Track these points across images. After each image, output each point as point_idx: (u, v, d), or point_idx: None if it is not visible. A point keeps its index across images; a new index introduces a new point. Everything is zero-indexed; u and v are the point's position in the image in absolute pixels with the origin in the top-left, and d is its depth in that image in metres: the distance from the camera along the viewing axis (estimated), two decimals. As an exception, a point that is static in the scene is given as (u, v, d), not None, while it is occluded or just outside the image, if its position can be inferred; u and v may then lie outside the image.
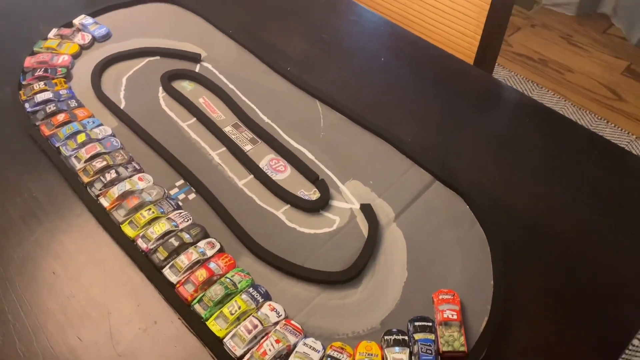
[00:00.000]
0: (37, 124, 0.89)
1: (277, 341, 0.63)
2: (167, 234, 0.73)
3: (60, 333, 0.66)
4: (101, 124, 0.89)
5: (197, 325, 0.65)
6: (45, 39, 1.05)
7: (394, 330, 0.65)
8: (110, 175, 0.80)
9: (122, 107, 0.93)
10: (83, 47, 1.05)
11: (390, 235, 0.75)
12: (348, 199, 0.80)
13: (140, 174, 0.81)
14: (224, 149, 0.87)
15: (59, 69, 0.98)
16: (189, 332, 0.66)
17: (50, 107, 0.90)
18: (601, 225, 0.78)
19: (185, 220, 0.75)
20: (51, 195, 0.81)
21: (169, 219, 0.75)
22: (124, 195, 0.78)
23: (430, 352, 0.61)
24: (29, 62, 0.99)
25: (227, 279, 0.68)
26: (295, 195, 0.80)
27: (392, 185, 0.81)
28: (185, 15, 1.14)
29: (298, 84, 0.97)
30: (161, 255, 0.71)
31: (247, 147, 0.87)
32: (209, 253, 0.72)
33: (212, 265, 0.70)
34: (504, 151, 0.88)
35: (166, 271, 0.70)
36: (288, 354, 0.62)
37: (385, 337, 0.64)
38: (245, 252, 0.73)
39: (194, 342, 0.65)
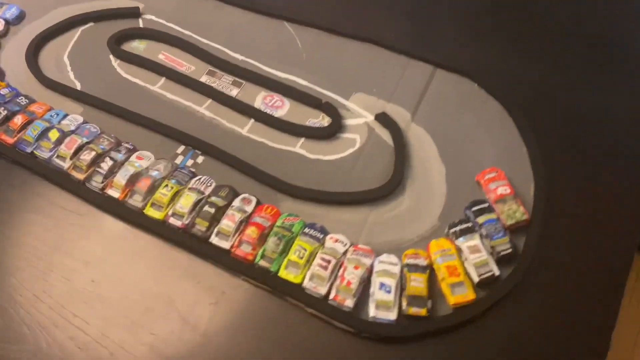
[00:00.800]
0: (-12, 136, 0.78)
1: (356, 267, 0.63)
2: (196, 204, 0.69)
3: (132, 335, 0.63)
4: (66, 114, 0.79)
5: (269, 280, 0.64)
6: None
7: (456, 221, 0.67)
8: (107, 163, 0.73)
9: (79, 88, 0.83)
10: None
11: (413, 136, 0.75)
12: (359, 113, 0.78)
13: (136, 153, 0.75)
14: (210, 100, 0.81)
15: (-16, 67, 0.86)
16: (262, 290, 0.65)
17: (0, 112, 0.79)
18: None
19: (208, 184, 0.71)
20: (48, 206, 0.73)
21: (191, 189, 0.71)
22: (132, 180, 0.72)
23: (499, 230, 0.64)
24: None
25: (279, 227, 0.67)
26: (306, 127, 0.77)
27: (396, 86, 0.80)
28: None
29: (257, 10, 0.90)
30: (201, 226, 0.68)
31: (234, 92, 0.82)
32: (249, 209, 0.69)
33: (258, 219, 0.68)
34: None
35: (215, 240, 0.67)
36: (369, 277, 0.64)
37: (451, 230, 0.66)
38: (281, 197, 0.71)
39: (270, 298, 0.65)
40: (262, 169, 0.73)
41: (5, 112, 0.79)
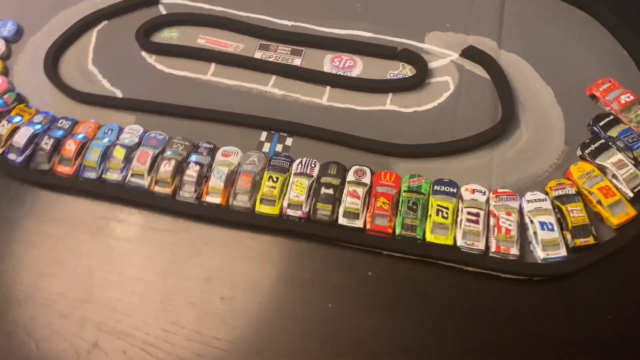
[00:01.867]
0: (44, 168, 0.69)
1: (508, 214, 0.60)
2: (310, 189, 0.64)
3: (301, 339, 0.59)
4: (121, 127, 0.71)
5: (418, 249, 0.60)
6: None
7: (586, 141, 0.64)
8: (193, 169, 0.66)
9: (120, 96, 0.74)
10: (3, 58, 0.80)
11: (507, 63, 0.71)
12: (440, 53, 0.73)
13: (220, 151, 0.68)
14: (274, 77, 0.74)
15: (6, 95, 0.75)
16: (408, 260, 0.61)
17: (46, 142, 0.70)
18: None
19: (312, 165, 0.66)
20: (141, 231, 0.66)
21: (297, 174, 0.65)
22: (229, 180, 0.65)
23: (635, 139, 0.62)
24: (-45, 109, 0.74)
25: (408, 192, 0.62)
26: (390, 80, 0.72)
27: (470, 15, 0.75)
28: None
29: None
30: (325, 210, 0.62)
31: (297, 62, 0.75)
32: (366, 180, 0.64)
33: (382, 189, 0.63)
34: None
35: (344, 221, 0.62)
36: (521, 220, 0.60)
37: (586, 151, 0.63)
38: (393, 161, 0.66)
39: (419, 266, 0.61)
40: (358, 135, 0.68)
41: (52, 140, 0.70)
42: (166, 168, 0.67)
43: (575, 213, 0.59)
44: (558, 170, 0.64)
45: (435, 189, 0.63)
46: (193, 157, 0.67)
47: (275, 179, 0.65)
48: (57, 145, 0.70)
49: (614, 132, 0.63)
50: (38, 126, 0.71)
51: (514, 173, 0.64)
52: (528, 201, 0.61)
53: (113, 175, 0.67)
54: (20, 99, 0.75)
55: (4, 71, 0.78)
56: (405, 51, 0.73)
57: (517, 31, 0.73)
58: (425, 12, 0.77)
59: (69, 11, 0.83)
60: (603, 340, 0.57)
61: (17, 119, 0.72)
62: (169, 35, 0.79)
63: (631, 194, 0.60)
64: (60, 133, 0.71)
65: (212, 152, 0.68)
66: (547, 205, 0.60)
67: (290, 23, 0.78)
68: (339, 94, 0.72)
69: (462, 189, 0.63)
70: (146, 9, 0.82)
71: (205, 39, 0.78)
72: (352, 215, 0.62)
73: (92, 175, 0.68)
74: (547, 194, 0.62)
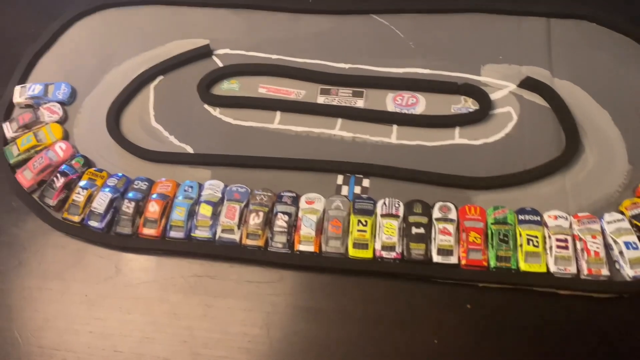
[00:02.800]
0: (128, 232, 0.70)
1: (594, 237, 0.64)
2: (399, 229, 0.67)
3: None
4: (201, 184, 0.73)
5: (514, 279, 0.64)
6: (7, 143, 0.79)
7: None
8: (282, 220, 0.68)
9: (192, 152, 0.76)
10: (61, 122, 0.81)
11: (562, 90, 0.76)
12: (498, 85, 0.77)
13: (303, 199, 0.70)
14: (340, 120, 0.77)
15: (74, 161, 0.76)
16: (505, 288, 0.65)
17: (127, 206, 0.71)
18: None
19: (396, 205, 0.69)
20: (240, 287, 0.68)
21: (384, 215, 0.68)
22: (318, 227, 0.68)
23: None
24: (25, 180, 0.75)
25: (495, 224, 0.66)
26: (457, 115, 0.76)
27: (520, 47, 0.80)
28: (129, 15, 0.90)
29: (338, 11, 0.85)
30: (419, 250, 0.66)
31: (360, 103, 0.78)
32: (453, 216, 0.68)
33: (469, 223, 0.67)
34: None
35: (439, 259, 0.65)
36: (605, 241, 0.65)
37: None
38: (472, 194, 0.70)
39: (518, 292, 0.65)
40: (432, 171, 0.71)
41: (133, 203, 0.71)
42: (256, 221, 0.69)
43: (656, 229, 0.64)
44: (627, 189, 0.69)
45: (520, 218, 0.67)
46: (279, 208, 0.70)
47: (364, 223, 0.68)
48: (138, 207, 0.72)
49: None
50: (114, 190, 0.73)
51: (588, 196, 0.69)
52: (608, 222, 0.66)
53: (203, 233, 0.69)
54: (88, 163, 0.77)
55: (65, 135, 0.79)
56: (466, 85, 0.77)
57: (566, 59, 0.78)
58: (477, 46, 0.81)
59: (120, 68, 0.84)
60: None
61: (91, 184, 0.74)
62: (229, 87, 0.82)
63: (702, 203, 0.65)
64: (139, 195, 0.72)
65: (295, 200, 0.71)
66: (627, 225, 0.65)
67: (347, 66, 0.81)
68: (406, 132, 0.76)
69: (545, 216, 0.67)
70: (200, 61, 0.84)
71: (266, 87, 0.81)
72: (445, 252, 0.65)
73: (180, 234, 0.70)
74: (622, 213, 0.66)
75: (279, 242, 0.68)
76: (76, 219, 0.72)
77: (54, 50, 0.87)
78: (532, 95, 0.76)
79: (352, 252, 0.67)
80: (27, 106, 0.82)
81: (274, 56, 0.83)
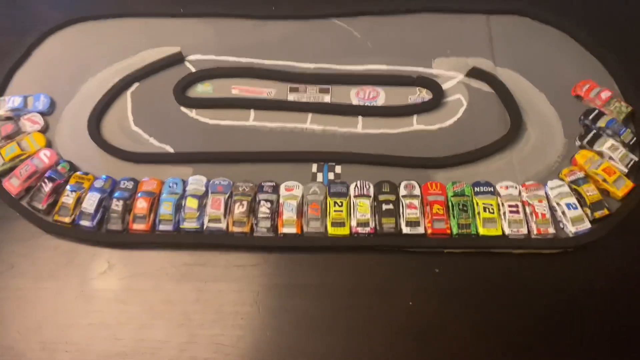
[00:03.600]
0: (119, 228, 0.75)
1: (540, 201, 0.74)
2: (371, 207, 0.75)
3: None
4: (184, 180, 0.78)
5: (475, 242, 0.73)
6: (-11, 151, 0.82)
7: (581, 133, 0.80)
8: (265, 207, 0.75)
9: (173, 151, 0.82)
10: (43, 131, 0.84)
11: (504, 77, 0.86)
12: (448, 76, 0.87)
13: (283, 186, 0.77)
14: (311, 114, 0.85)
15: (59, 166, 0.80)
16: (467, 253, 0.74)
17: (116, 204, 0.76)
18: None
19: (366, 187, 0.77)
20: (229, 271, 0.74)
21: (357, 196, 0.76)
22: (299, 211, 0.75)
23: (619, 126, 0.79)
24: (12, 187, 0.78)
25: (455, 196, 0.75)
26: (413, 105, 0.85)
27: (464, 41, 0.90)
28: (101, 27, 0.95)
29: (300, 16, 0.93)
30: (390, 224, 0.74)
31: (326, 99, 0.86)
32: (418, 192, 0.76)
33: (432, 197, 0.75)
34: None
35: (408, 230, 0.73)
36: (549, 204, 0.75)
37: (584, 142, 0.79)
38: (432, 172, 0.79)
39: (479, 255, 0.73)
40: (399, 155, 0.80)
41: (121, 202, 0.76)
42: (240, 209, 0.75)
43: (590, 192, 0.74)
44: (565, 160, 0.79)
45: (476, 190, 0.76)
46: (261, 196, 0.76)
47: (340, 204, 0.75)
48: (126, 205, 0.76)
49: (602, 123, 0.80)
50: (102, 191, 0.77)
51: (532, 167, 0.79)
52: (551, 188, 0.76)
53: (191, 224, 0.75)
54: (73, 168, 0.81)
55: (48, 143, 0.83)
56: (420, 77, 0.86)
57: (506, 49, 0.89)
58: (427, 43, 0.91)
59: (95, 78, 0.89)
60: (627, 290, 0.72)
61: (78, 187, 0.78)
62: (204, 90, 0.88)
63: (626, 170, 0.76)
64: (126, 194, 0.77)
65: (275, 189, 0.77)
66: (567, 189, 0.75)
67: (312, 65, 0.89)
68: (371, 122, 0.84)
69: (497, 187, 0.76)
70: (173, 67, 0.89)
71: (238, 88, 0.87)
72: (413, 223, 0.74)
73: (169, 227, 0.75)
74: (562, 180, 0.77)
75: (263, 227, 0.74)
76: (67, 220, 0.76)
77: (29, 63, 0.91)
78: (478, 84, 0.86)
79: (331, 231, 0.74)
80: (8, 118, 0.85)
81: (244, 59, 0.90)
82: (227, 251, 0.75)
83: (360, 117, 0.84)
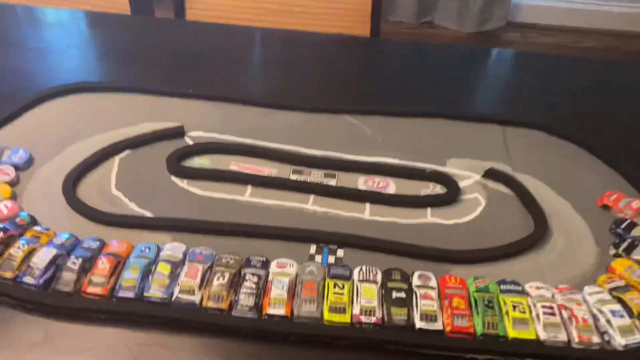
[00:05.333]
0: (69, 290, 0.61)
1: (578, 304, 0.62)
2: (379, 296, 0.63)
3: None
4: (159, 247, 0.67)
5: (503, 346, 0.59)
6: (-57, 198, 0.71)
7: (615, 241, 0.72)
8: (251, 281, 0.63)
9: (153, 216, 0.72)
10: (11, 185, 0.75)
11: (525, 182, 0.81)
12: (463, 175, 0.82)
13: (274, 263, 0.66)
14: (313, 196, 0.77)
15: (18, 218, 0.69)
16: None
17: (73, 262, 0.63)
18: None
19: (373, 273, 0.65)
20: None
21: (363, 281, 0.64)
22: (290, 292, 0.62)
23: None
24: (-45, 235, 0.66)
25: (478, 292, 0.63)
26: (429, 196, 0.78)
27: (479, 146, 0.87)
28: (103, 99, 0.92)
29: (310, 109, 0.92)
30: (400, 315, 0.61)
31: (332, 183, 0.79)
32: (433, 284, 0.65)
33: (451, 291, 0.64)
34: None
35: (422, 324, 0.60)
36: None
37: (619, 250, 0.71)
38: (448, 267, 0.68)
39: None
40: (417, 244, 0.70)
41: (80, 260, 0.64)
42: (220, 281, 0.63)
43: (636, 300, 0.63)
44: (599, 268, 0.70)
45: (502, 288, 0.65)
46: (248, 270, 0.64)
47: (341, 286, 0.63)
48: (85, 265, 0.64)
49: (636, 232, 0.72)
50: (60, 247, 0.65)
51: (563, 273, 0.69)
52: (589, 294, 0.65)
53: (157, 293, 0.61)
54: (34, 222, 0.70)
55: (12, 196, 0.73)
56: (434, 172, 0.81)
57: (524, 158, 0.85)
58: (441, 144, 0.88)
59: (86, 142, 0.83)
60: None
61: (34, 241, 0.66)
62: (200, 163, 0.81)
63: (670, 281, 0.66)
64: (87, 254, 0.65)
65: (265, 264, 0.66)
66: (607, 296, 0.64)
67: (320, 153, 0.84)
68: (380, 210, 0.76)
69: (526, 287, 0.65)
70: (170, 140, 0.84)
71: (238, 165, 0.81)
72: (430, 317, 0.61)
73: (129, 294, 0.61)
74: (600, 287, 0.66)
75: (245, 305, 0.61)
76: (9, 274, 0.62)
77: (17, 122, 0.86)
78: (496, 185, 0.81)
79: (328, 317, 0.60)
80: (-23, 167, 0.77)
81: (247, 140, 0.85)
82: (197, 333, 0.61)
83: (367, 204, 0.76)
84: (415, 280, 0.65)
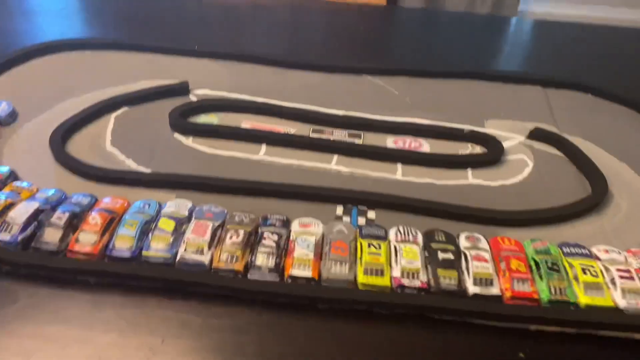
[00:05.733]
0: (53, 249, 0.51)
1: (657, 266, 0.53)
2: (422, 258, 0.53)
3: None
4: (160, 203, 0.57)
5: (574, 315, 0.49)
6: None
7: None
8: (270, 240, 0.53)
9: (148, 171, 0.62)
10: (-9, 138, 0.66)
11: (575, 143, 0.71)
12: (505, 137, 0.72)
13: (297, 222, 0.56)
14: (336, 156, 0.67)
15: (-3, 173, 0.59)
16: (563, 334, 0.49)
17: (59, 216, 0.53)
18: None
19: (413, 233, 0.55)
20: (205, 330, 0.48)
21: (404, 241, 0.54)
22: (317, 252, 0.52)
23: None
24: None
25: (540, 254, 0.54)
26: (470, 155, 0.69)
27: (520, 107, 0.78)
28: (100, 56, 0.83)
29: (327, 68, 0.83)
30: (450, 278, 0.51)
31: (357, 142, 0.70)
32: (484, 246, 0.55)
33: (506, 253, 0.54)
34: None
35: (476, 289, 0.50)
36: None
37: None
38: (495, 230, 0.59)
39: (579, 339, 0.49)
40: (458, 204, 0.61)
41: (66, 215, 0.54)
42: (234, 240, 0.53)
43: None
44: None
45: (565, 251, 0.55)
46: (267, 228, 0.55)
47: (377, 246, 0.53)
48: (73, 221, 0.54)
49: None
50: (44, 202, 0.56)
51: (628, 236, 0.59)
52: (665, 255, 0.55)
53: (158, 252, 0.51)
54: (14, 177, 0.60)
55: (-9, 150, 0.64)
56: (472, 132, 0.71)
57: (569, 118, 0.76)
58: (476, 105, 0.78)
59: (78, 99, 0.74)
60: None
61: (13, 195, 0.56)
62: (207, 121, 0.72)
63: None
64: (76, 208, 0.55)
65: (285, 224, 0.56)
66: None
67: (342, 113, 0.75)
68: (413, 170, 0.66)
69: (594, 250, 0.56)
70: (174, 98, 0.75)
71: (250, 124, 0.71)
72: (485, 282, 0.51)
73: (125, 253, 0.51)
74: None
75: (264, 266, 0.51)
76: (-19, 232, 0.53)
77: (3, 77, 0.77)
78: (543, 146, 0.71)
79: (363, 279, 0.51)
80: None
81: (260, 99, 0.76)
82: (206, 300, 0.51)
83: (399, 164, 0.67)
84: (463, 242, 0.55)
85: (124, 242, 0.52)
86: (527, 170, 0.68)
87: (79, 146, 0.66)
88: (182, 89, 0.75)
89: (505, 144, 0.71)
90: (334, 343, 0.48)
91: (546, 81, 0.83)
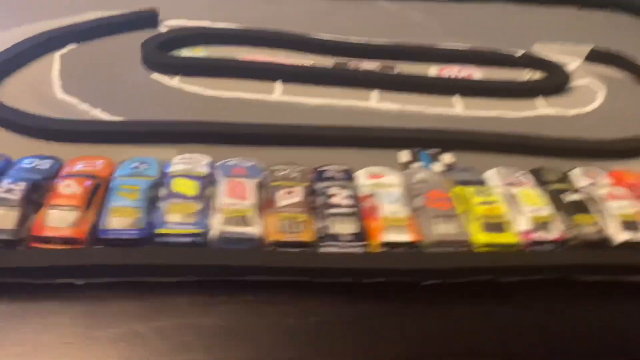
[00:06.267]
0: (10, 237, 0.32)
1: None
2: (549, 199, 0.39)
3: None
4: (162, 162, 0.39)
5: None
6: None
7: None
8: (341, 196, 0.37)
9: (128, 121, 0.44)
10: None
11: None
12: (561, 60, 0.61)
13: (363, 172, 0.40)
14: (375, 91, 0.52)
15: None
16: None
17: (9, 189, 0.34)
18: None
19: (517, 175, 0.42)
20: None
21: (507, 185, 0.40)
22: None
23: None
24: None
25: None
26: (537, 82, 0.56)
27: (559, 27, 0.67)
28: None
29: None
30: (591, 224, 0.38)
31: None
32: (608, 183, 0.42)
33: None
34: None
35: (627, 235, 0.37)
36: None
37: None
38: (604, 164, 0.46)
39: None
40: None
41: (22, 185, 0.35)
42: (293, 199, 0.36)
43: None
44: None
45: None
46: (327, 184, 0.39)
47: (487, 193, 0.39)
48: (33, 196, 0.35)
49: None
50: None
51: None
52: None
53: (181, 228, 0.34)
54: None
55: None
56: (526, 56, 0.59)
57: (614, 40, 0.65)
58: (514, 29, 0.66)
59: (4, 35, 0.52)
60: None
61: None
62: (194, 55, 0.53)
63: None
64: (35, 175, 0.36)
65: (348, 175, 0.40)
66: None
67: (363, 40, 0.59)
68: (475, 102, 0.53)
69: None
70: (139, 31, 0.56)
71: (253, 58, 0.54)
72: (632, 225, 0.38)
73: (130, 233, 0.33)
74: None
75: (344, 234, 0.35)
76: None
77: None
78: (604, 69, 0.61)
79: (482, 238, 0.36)
80: None
81: (254, 28, 0.58)
82: (259, 290, 0.34)
83: (457, 96, 0.53)
84: (580, 180, 0.43)
85: (122, 218, 0.34)
86: (600, 95, 0.57)
87: (15, 94, 0.46)
88: (148, 19, 0.56)
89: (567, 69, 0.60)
90: (454, 331, 0.34)
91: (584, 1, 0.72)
